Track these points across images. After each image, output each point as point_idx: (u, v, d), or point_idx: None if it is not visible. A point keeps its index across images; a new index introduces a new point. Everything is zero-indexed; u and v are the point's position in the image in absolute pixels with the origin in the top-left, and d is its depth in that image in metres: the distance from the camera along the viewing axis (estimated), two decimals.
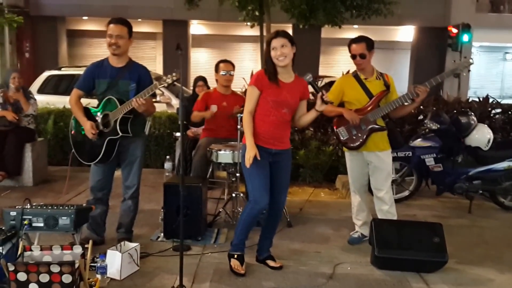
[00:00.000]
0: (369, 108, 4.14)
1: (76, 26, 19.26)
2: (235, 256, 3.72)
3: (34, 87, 8.84)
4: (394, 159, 5.43)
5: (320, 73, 17.46)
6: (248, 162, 3.48)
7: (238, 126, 4.50)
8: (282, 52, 3.48)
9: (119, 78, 3.93)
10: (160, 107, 8.19)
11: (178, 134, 6.54)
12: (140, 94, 3.75)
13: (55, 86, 8.86)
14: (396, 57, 20.18)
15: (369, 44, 4.13)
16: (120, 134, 3.86)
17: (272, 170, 3.67)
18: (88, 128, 3.90)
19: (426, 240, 3.82)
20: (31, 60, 17.70)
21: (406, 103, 4.15)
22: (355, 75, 4.23)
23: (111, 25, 3.89)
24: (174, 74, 3.60)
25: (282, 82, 3.57)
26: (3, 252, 3.17)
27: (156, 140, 7.20)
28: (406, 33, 19.61)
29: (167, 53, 18.65)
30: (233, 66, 5.35)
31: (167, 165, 6.47)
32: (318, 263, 3.97)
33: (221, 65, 5.29)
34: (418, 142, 5.51)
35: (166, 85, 3.63)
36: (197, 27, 19.92)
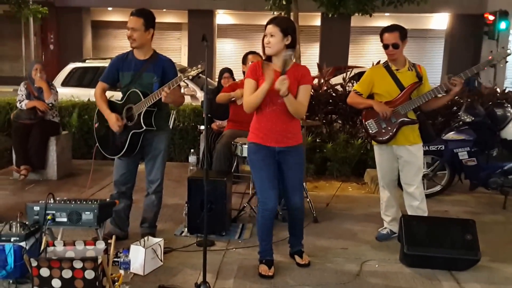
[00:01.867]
0: (400, 101, 3.99)
1: (101, 17, 19.36)
2: (263, 261, 3.61)
3: (59, 79, 8.86)
4: (426, 153, 5.27)
5: (350, 63, 17.19)
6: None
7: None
8: (268, 41, 3.35)
9: (143, 70, 3.88)
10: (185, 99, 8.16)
11: (202, 127, 6.49)
12: (165, 86, 3.68)
13: (80, 78, 8.86)
14: (429, 46, 19.71)
15: (403, 33, 3.97)
16: (144, 127, 3.81)
17: (282, 170, 3.52)
18: (113, 120, 3.85)
19: (457, 237, 3.67)
20: (55, 52, 17.90)
21: (439, 95, 3.97)
22: (386, 65, 4.08)
23: (130, 17, 3.84)
24: (199, 66, 3.51)
25: (276, 71, 3.36)
26: (27, 247, 3.16)
27: (181, 133, 7.15)
28: (440, 21, 19.08)
29: (192, 44, 18.63)
30: (262, 57, 5.24)
31: (192, 158, 6.44)
32: (345, 260, 3.85)
33: (249, 56, 5.22)
34: (451, 135, 5.32)
35: (190, 77, 3.55)
36: (223, 17, 19.83)
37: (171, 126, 4.08)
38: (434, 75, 17.50)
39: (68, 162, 6.33)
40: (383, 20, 16.94)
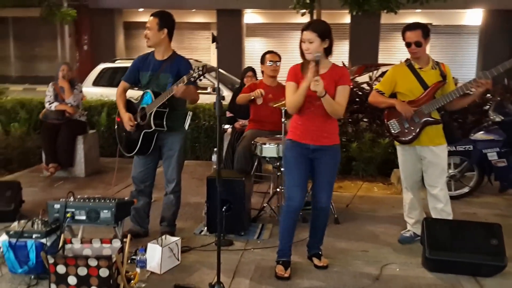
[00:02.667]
0: (423, 100, 3.89)
1: (133, 18, 19.66)
2: (280, 262, 3.58)
3: (89, 79, 9.05)
4: (453, 153, 5.16)
5: (380, 60, 16.90)
6: None
7: (283, 119, 4.37)
8: (308, 48, 3.35)
9: (160, 71, 3.93)
10: (210, 99, 8.19)
11: (226, 126, 6.48)
12: (174, 85, 3.73)
13: (110, 78, 9.01)
14: (463, 42, 19.15)
15: (425, 31, 3.87)
16: (153, 127, 3.86)
17: (314, 168, 3.52)
18: (126, 120, 3.95)
19: (482, 242, 3.55)
20: (89, 52, 18.30)
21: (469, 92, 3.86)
22: (409, 64, 3.99)
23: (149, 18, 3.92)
24: (200, 68, 3.57)
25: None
26: (48, 244, 3.23)
27: (206, 132, 7.19)
28: (474, 17, 18.52)
29: (221, 44, 18.67)
30: (279, 57, 5.22)
31: (215, 157, 6.45)
32: (365, 263, 3.78)
33: (267, 55, 5.18)
34: (480, 135, 5.17)
35: (192, 79, 3.58)
36: (251, 16, 19.80)
37: (186, 127, 4.08)
38: (468, 71, 17.03)
39: (96, 160, 6.46)
40: (414, 17, 16.58)
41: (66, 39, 16.88)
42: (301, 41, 3.42)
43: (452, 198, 5.07)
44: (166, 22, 3.91)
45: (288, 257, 3.60)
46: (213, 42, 3.10)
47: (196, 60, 7.15)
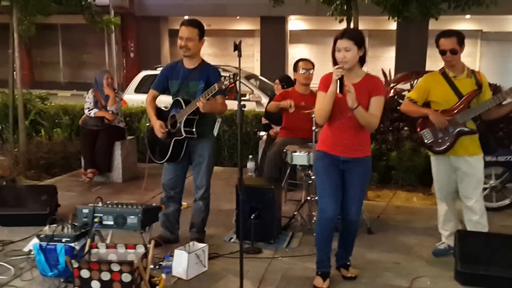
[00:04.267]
0: (458, 109, 3.76)
1: (178, 25, 19.87)
2: (319, 272, 3.53)
3: (132, 86, 9.24)
4: (494, 163, 4.97)
5: (428, 67, 16.45)
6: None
7: (313, 127, 4.33)
8: (344, 56, 3.25)
9: (190, 79, 3.98)
10: (248, 106, 8.23)
11: (262, 133, 6.49)
12: (202, 95, 3.77)
13: (151, 85, 9.19)
14: None
15: (460, 38, 3.75)
16: (184, 135, 3.90)
17: (344, 179, 3.43)
18: (157, 127, 4.00)
19: None
20: (135, 59, 18.75)
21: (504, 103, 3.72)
22: (443, 72, 3.87)
23: (182, 27, 3.93)
24: (231, 76, 3.57)
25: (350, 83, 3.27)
26: (77, 248, 3.33)
27: (243, 139, 7.18)
28: None
29: (264, 51, 18.75)
30: (313, 64, 5.19)
31: (250, 164, 6.48)
32: (395, 275, 3.69)
33: (300, 63, 5.16)
34: None
35: (223, 87, 3.60)
36: (295, 23, 19.78)
37: (215, 134, 4.11)
38: None
39: (133, 166, 6.58)
40: (463, 23, 16.13)
41: (113, 46, 17.37)
42: (335, 50, 3.31)
43: (493, 209, 4.95)
44: (204, 32, 3.97)
45: (327, 267, 3.53)
46: (234, 50, 3.05)
47: (224, 69, 7.20)
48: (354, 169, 3.40)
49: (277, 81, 6.16)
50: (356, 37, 3.28)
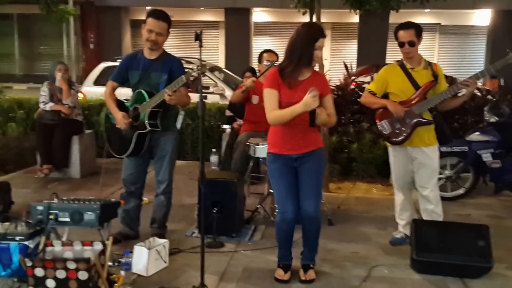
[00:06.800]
0: (415, 100, 3.85)
1: (140, 16, 19.52)
2: (280, 265, 3.53)
3: (91, 78, 9.03)
4: (449, 154, 5.12)
5: (388, 60, 16.74)
6: None
7: None
8: (320, 56, 3.25)
9: (151, 70, 3.88)
10: (212, 99, 8.16)
11: (225, 126, 6.46)
12: (168, 87, 3.69)
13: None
14: (471, 43, 18.92)
15: (418, 30, 3.84)
16: (148, 128, 3.82)
17: (299, 175, 3.40)
18: (119, 118, 3.88)
19: (470, 244, 3.52)
20: (96, 51, 18.21)
21: (459, 94, 3.82)
22: (401, 64, 3.95)
23: (152, 20, 3.78)
24: (199, 67, 3.47)
25: (297, 80, 3.27)
26: (32, 246, 3.21)
27: (206, 132, 7.16)
28: (482, 17, 18.30)
29: (229, 42, 18.64)
30: (277, 56, 5.18)
31: (213, 158, 6.44)
32: (354, 265, 3.75)
33: (265, 55, 5.15)
34: (475, 136, 5.12)
35: (191, 79, 3.53)
36: (259, 15, 19.72)
37: (179, 127, 4.03)
38: (476, 71, 16.78)
39: (92, 161, 6.42)
40: (422, 16, 16.43)
41: (72, 37, 16.85)
42: (312, 45, 3.21)
43: (447, 199, 5.10)
44: (171, 24, 3.87)
45: (289, 260, 3.53)
46: (196, 40, 3.00)
47: (187, 61, 7.11)
48: (307, 163, 3.36)
49: (249, 73, 6.13)
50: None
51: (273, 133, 3.41)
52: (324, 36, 3.25)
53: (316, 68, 3.44)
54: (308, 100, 3.08)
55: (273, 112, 3.26)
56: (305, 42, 3.22)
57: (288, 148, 3.34)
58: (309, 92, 3.07)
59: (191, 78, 3.56)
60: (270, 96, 3.29)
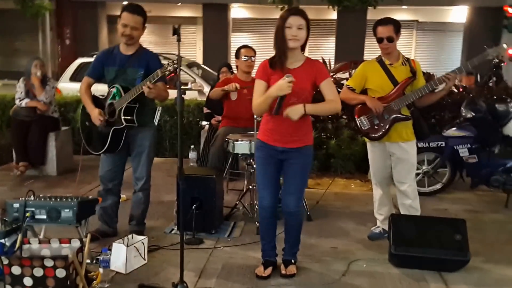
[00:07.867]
0: (393, 96, 3.88)
1: (117, 11, 19.20)
2: (263, 261, 3.53)
3: (67, 74, 8.92)
4: (427, 149, 5.18)
5: (366, 57, 16.88)
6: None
7: (255, 116, 4.33)
8: (296, 34, 3.13)
9: (128, 66, 3.84)
10: (190, 95, 8.11)
11: (204, 122, 6.43)
12: (144, 80, 3.64)
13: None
14: (447, 39, 19.26)
15: (397, 26, 3.86)
16: (124, 123, 3.78)
17: (284, 169, 3.39)
18: (95, 115, 3.83)
19: (447, 237, 3.57)
20: (72, 46, 17.94)
21: (436, 90, 3.87)
22: (380, 60, 3.98)
23: (127, 14, 3.73)
24: (174, 61, 3.42)
25: (288, 69, 3.23)
26: (8, 244, 3.17)
27: (184, 129, 7.11)
28: (459, 14, 18.62)
29: (207, 38, 18.55)
30: (255, 52, 5.18)
31: (192, 154, 6.40)
32: (333, 260, 3.78)
33: (242, 50, 5.15)
34: (451, 132, 5.20)
35: (167, 72, 3.51)
36: (237, 11, 19.68)
37: (156, 123, 4.00)
38: (453, 68, 17.06)
39: (69, 158, 6.32)
40: (400, 13, 16.62)
41: (47, 33, 16.54)
42: (284, 27, 3.12)
43: (425, 194, 5.17)
44: (146, 19, 3.82)
45: (270, 256, 3.54)
46: (173, 34, 2.96)
47: (165, 57, 7.06)
48: (292, 159, 3.33)
49: (225, 68, 6.10)
50: (308, 19, 3.19)
51: (266, 120, 3.39)
52: (294, 14, 3.15)
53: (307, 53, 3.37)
54: (283, 85, 3.05)
55: (255, 101, 3.27)
56: (278, 26, 3.19)
57: (275, 139, 3.31)
58: (286, 76, 3.06)
59: (167, 73, 3.53)
60: (257, 87, 3.29)
